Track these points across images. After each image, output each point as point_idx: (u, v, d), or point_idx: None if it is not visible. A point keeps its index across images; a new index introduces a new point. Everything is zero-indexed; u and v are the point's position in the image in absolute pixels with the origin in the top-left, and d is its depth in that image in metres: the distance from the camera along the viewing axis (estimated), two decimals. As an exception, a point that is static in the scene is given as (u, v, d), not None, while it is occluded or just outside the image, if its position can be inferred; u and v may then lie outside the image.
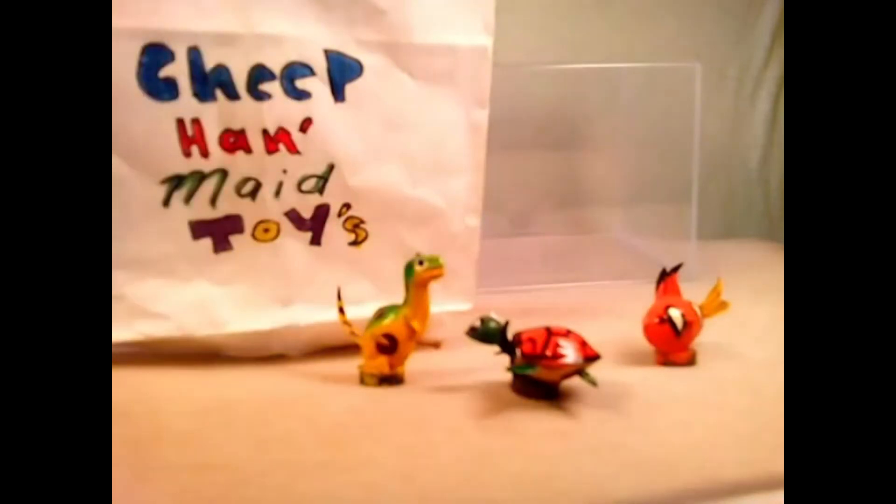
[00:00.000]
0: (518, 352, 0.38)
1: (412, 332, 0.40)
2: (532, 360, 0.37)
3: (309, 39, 0.42)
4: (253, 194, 0.43)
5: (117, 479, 0.29)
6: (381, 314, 0.41)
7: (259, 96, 0.42)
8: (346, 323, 0.41)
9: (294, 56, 0.42)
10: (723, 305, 0.45)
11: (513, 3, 0.65)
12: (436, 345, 0.42)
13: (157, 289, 0.43)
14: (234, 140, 0.42)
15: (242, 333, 0.44)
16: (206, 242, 0.43)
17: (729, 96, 0.82)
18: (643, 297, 0.45)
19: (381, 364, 0.41)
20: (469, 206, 0.47)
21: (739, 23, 0.81)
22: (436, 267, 0.39)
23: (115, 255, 0.40)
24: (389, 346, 0.40)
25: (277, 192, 0.43)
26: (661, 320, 0.43)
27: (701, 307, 0.44)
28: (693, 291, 0.45)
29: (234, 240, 0.43)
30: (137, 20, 0.40)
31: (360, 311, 0.42)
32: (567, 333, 0.38)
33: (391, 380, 0.41)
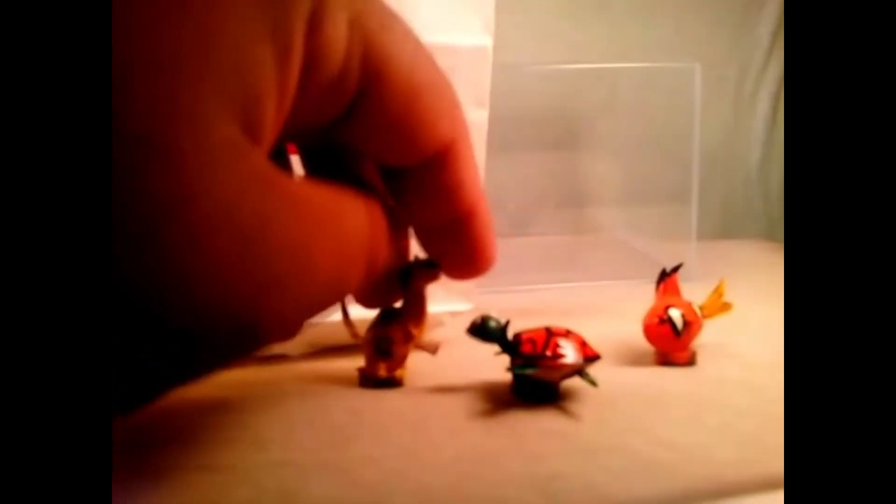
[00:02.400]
0: (518, 352, 0.38)
1: (409, 336, 0.40)
2: (532, 360, 0.37)
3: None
4: (253, 194, 0.43)
5: (117, 479, 0.29)
6: (382, 316, 0.41)
7: (259, 96, 0.41)
8: (348, 325, 0.41)
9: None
10: (725, 307, 0.45)
11: (513, 3, 0.65)
12: (433, 350, 0.41)
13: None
14: (234, 140, 0.42)
15: (242, 333, 0.44)
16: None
17: (728, 97, 0.83)
18: (643, 297, 0.45)
19: (378, 367, 0.41)
20: (469, 207, 0.47)
21: (739, 23, 0.82)
22: (431, 270, 0.39)
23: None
24: (385, 349, 0.40)
25: (277, 193, 0.43)
26: (661, 320, 0.43)
27: (702, 308, 0.44)
28: (693, 291, 0.45)
29: (234, 240, 0.43)
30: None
31: (362, 312, 0.42)
32: (567, 333, 0.38)
33: (387, 383, 0.41)
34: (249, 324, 0.19)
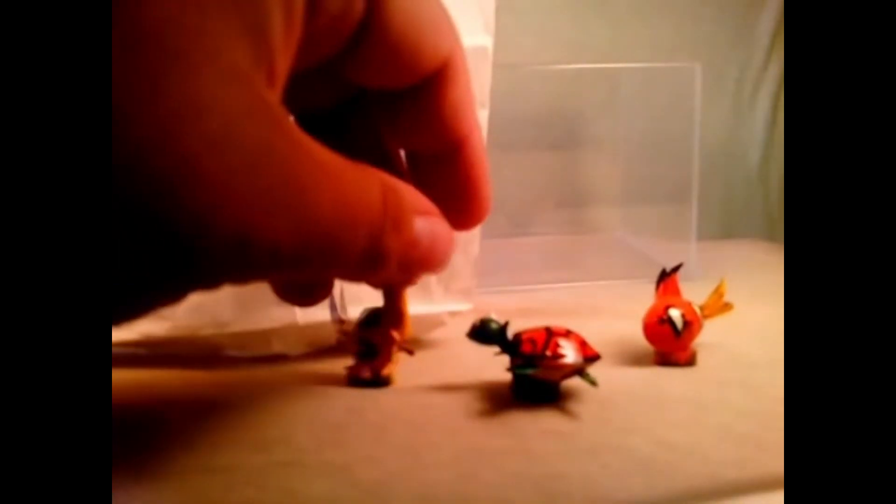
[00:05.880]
0: (518, 352, 0.38)
1: (390, 340, 0.40)
2: (532, 360, 0.37)
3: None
4: (253, 194, 0.43)
5: (117, 480, 0.29)
6: (367, 319, 0.41)
7: (259, 96, 0.41)
8: (337, 321, 0.41)
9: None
10: (726, 307, 0.45)
11: (513, 3, 0.65)
12: (409, 352, 0.41)
13: (157, 289, 0.43)
14: (234, 140, 0.42)
15: (243, 333, 0.44)
16: (206, 242, 0.43)
17: (729, 96, 0.83)
18: (643, 297, 0.45)
19: (363, 368, 0.41)
20: (469, 207, 0.47)
21: (739, 23, 0.82)
22: None
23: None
24: (367, 350, 0.40)
25: (277, 193, 0.43)
26: (661, 320, 0.43)
27: (702, 308, 0.44)
28: (693, 291, 0.45)
29: (234, 240, 0.43)
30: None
31: (359, 312, 0.42)
32: (567, 333, 0.38)
33: (374, 383, 0.41)
34: (243, 242, 0.20)
